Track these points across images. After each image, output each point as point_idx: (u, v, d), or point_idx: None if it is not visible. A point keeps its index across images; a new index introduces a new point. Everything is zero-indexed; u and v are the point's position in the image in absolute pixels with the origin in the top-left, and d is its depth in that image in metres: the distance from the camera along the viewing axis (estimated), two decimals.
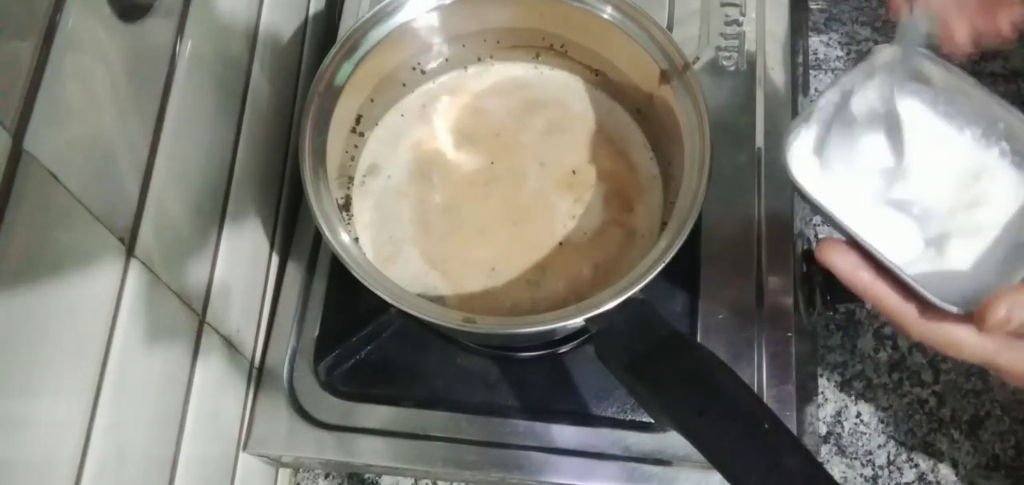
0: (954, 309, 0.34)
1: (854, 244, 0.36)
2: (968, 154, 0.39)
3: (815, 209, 0.37)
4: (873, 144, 0.39)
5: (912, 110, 0.40)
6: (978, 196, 0.38)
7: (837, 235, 0.37)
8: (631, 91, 0.50)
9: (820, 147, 0.39)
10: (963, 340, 0.35)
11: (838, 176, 0.39)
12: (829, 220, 0.36)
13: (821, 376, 0.53)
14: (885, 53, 0.39)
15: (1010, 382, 0.36)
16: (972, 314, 0.34)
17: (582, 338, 0.48)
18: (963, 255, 0.37)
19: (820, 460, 0.50)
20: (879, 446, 0.51)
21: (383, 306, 0.43)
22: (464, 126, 0.52)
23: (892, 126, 0.38)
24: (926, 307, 0.35)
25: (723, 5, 0.57)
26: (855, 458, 0.51)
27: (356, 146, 0.50)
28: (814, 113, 0.39)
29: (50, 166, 0.30)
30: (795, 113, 0.54)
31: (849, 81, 0.40)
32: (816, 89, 0.60)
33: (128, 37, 0.35)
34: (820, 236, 0.53)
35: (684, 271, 0.49)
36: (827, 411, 0.52)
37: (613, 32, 0.47)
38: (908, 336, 0.36)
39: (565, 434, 0.46)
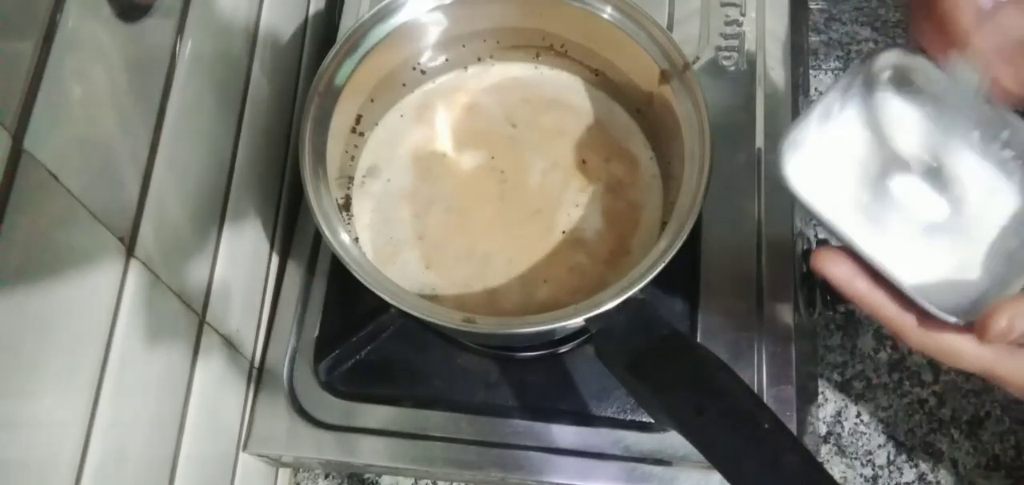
0: (953, 319, 0.34)
1: (851, 252, 0.36)
2: (967, 160, 0.39)
3: (812, 215, 0.37)
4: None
5: (910, 117, 0.39)
6: (977, 203, 0.38)
7: (834, 241, 0.37)
8: (631, 91, 0.50)
9: (821, 153, 0.39)
10: (962, 350, 0.34)
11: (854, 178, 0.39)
12: (826, 227, 0.36)
13: (821, 376, 0.53)
14: (884, 58, 0.39)
15: (1010, 391, 0.36)
16: (972, 324, 0.33)
17: (582, 338, 0.48)
18: (962, 262, 0.37)
19: (820, 460, 0.50)
20: (879, 446, 0.51)
21: (383, 306, 0.43)
22: (464, 126, 0.52)
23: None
24: (925, 317, 0.35)
25: (723, 5, 0.57)
26: (855, 458, 0.51)
27: (356, 146, 0.50)
28: (810, 118, 0.38)
29: (50, 166, 0.30)
30: (795, 113, 0.54)
31: (845, 85, 0.39)
32: (816, 89, 0.60)
33: (128, 37, 0.35)
34: (820, 235, 0.53)
35: (684, 271, 0.49)
36: (827, 411, 0.52)
37: (613, 32, 0.47)
38: (906, 345, 0.36)
39: (565, 434, 0.46)
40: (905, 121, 0.39)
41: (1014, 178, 0.38)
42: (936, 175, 0.38)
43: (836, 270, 0.36)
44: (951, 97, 0.38)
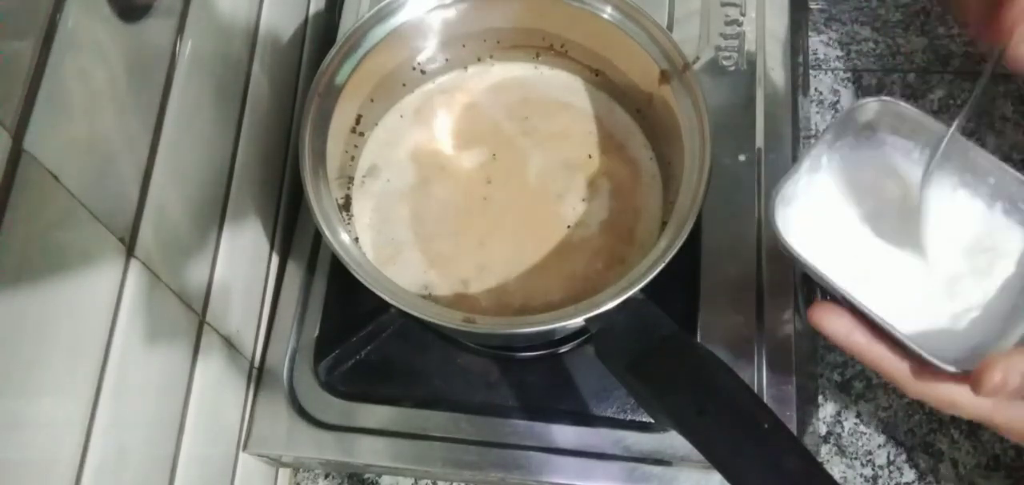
0: (951, 369, 0.33)
1: (847, 304, 0.35)
2: (964, 210, 0.38)
3: (806, 270, 0.36)
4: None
5: (898, 164, 0.39)
6: (975, 252, 0.38)
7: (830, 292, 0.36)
8: (631, 91, 0.50)
9: (812, 204, 0.39)
10: (959, 399, 0.34)
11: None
12: (821, 280, 0.36)
13: (821, 376, 0.53)
14: (869, 107, 0.39)
15: (1009, 438, 0.36)
16: (969, 373, 0.33)
17: (582, 338, 0.48)
18: (958, 310, 0.37)
19: (820, 460, 0.50)
20: (879, 446, 0.51)
21: (383, 306, 0.43)
22: (464, 127, 0.52)
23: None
24: (922, 365, 0.35)
25: (723, 5, 0.57)
26: (855, 458, 0.51)
27: (356, 146, 0.50)
28: (800, 171, 0.38)
29: (50, 166, 0.30)
30: (795, 113, 0.54)
31: (832, 136, 0.39)
32: (816, 89, 0.60)
33: (128, 37, 0.35)
34: None
35: (684, 271, 0.49)
36: (827, 411, 0.52)
37: (613, 32, 0.47)
38: (904, 394, 0.36)
39: (565, 434, 0.46)
40: (893, 169, 0.39)
41: (1011, 228, 0.38)
42: (928, 221, 0.38)
43: (833, 324, 0.36)
44: (938, 143, 0.38)
